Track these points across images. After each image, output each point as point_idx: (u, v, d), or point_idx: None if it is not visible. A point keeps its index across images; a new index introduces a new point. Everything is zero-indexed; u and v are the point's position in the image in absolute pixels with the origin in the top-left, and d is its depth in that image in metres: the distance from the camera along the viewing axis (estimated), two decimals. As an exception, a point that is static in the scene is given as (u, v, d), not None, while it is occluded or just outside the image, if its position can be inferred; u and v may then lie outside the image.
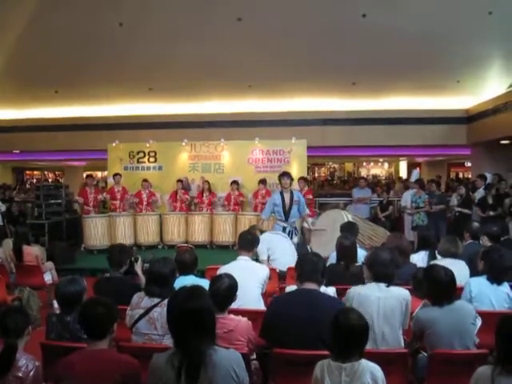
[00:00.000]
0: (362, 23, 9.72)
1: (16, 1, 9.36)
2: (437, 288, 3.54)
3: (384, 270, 3.69)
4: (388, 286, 3.64)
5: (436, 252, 5.45)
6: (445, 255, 5.09)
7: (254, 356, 3.69)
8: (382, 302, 3.57)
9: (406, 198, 11.47)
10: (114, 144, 12.84)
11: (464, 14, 9.51)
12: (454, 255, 5.03)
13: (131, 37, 10.45)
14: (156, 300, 3.55)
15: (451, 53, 10.69)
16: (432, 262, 5.17)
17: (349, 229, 5.78)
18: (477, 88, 12.33)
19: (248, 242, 4.79)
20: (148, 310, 3.50)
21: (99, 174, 25.32)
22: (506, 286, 4.31)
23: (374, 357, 2.99)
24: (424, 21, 9.67)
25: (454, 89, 12.40)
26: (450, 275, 3.56)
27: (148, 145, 12.80)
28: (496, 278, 4.24)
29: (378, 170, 27.38)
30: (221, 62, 11.19)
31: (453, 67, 11.27)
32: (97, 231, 10.92)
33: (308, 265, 3.46)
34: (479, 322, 3.54)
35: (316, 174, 27.62)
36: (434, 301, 3.55)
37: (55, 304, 6.94)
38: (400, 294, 3.66)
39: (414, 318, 3.60)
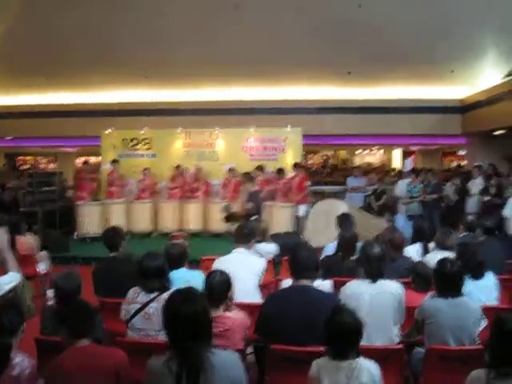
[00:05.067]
0: (357, 13, 9.68)
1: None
2: (441, 279, 3.61)
3: (370, 267, 3.70)
4: (373, 282, 3.66)
5: (429, 244, 5.49)
6: (440, 247, 5.08)
7: (251, 350, 3.69)
8: (374, 298, 3.60)
9: (401, 187, 11.48)
10: (107, 131, 12.75)
11: (460, 4, 9.49)
12: (449, 248, 5.03)
13: (126, 23, 10.35)
14: (152, 295, 3.53)
15: (446, 43, 10.66)
16: (426, 255, 5.23)
17: (344, 221, 5.76)
18: (471, 78, 12.33)
19: (243, 235, 4.75)
20: (144, 306, 3.49)
21: (92, 159, 25.18)
22: (490, 278, 4.34)
23: (370, 353, 2.99)
24: (419, 11, 9.65)
25: (448, 79, 12.39)
26: (455, 269, 3.59)
27: (142, 132, 12.72)
28: (473, 274, 4.23)
29: (372, 157, 27.33)
30: (216, 49, 11.11)
31: (447, 57, 11.24)
32: (90, 219, 10.89)
33: (300, 261, 3.43)
34: (484, 323, 3.53)
35: (310, 161, 27.55)
36: (438, 292, 3.61)
37: (49, 293, 6.93)
38: (392, 288, 3.68)
39: (419, 306, 3.64)
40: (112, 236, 4.83)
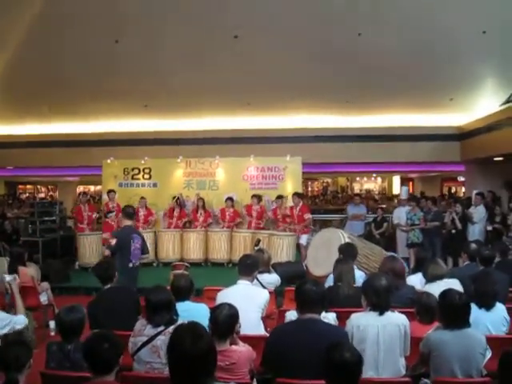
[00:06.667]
0: (356, 42, 9.79)
1: (11, 18, 9.35)
2: (448, 311, 3.57)
3: (378, 300, 3.69)
4: (381, 315, 3.64)
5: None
6: (434, 280, 5.05)
7: (255, 383, 3.67)
8: (381, 331, 3.58)
9: (399, 215, 11.49)
10: (108, 161, 12.82)
11: (458, 32, 9.61)
12: (441, 277, 5.03)
13: (127, 54, 10.46)
14: (159, 328, 3.52)
15: (444, 71, 10.75)
16: (428, 284, 5.22)
17: (348, 251, 5.75)
18: (470, 106, 12.40)
19: (247, 267, 4.72)
20: (151, 338, 3.47)
21: (92, 188, 25.28)
22: (501, 310, 4.32)
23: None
24: (417, 39, 9.74)
25: (446, 106, 12.45)
26: (463, 300, 3.58)
27: (143, 161, 12.79)
28: (483, 304, 4.22)
29: (372, 184, 27.47)
30: (215, 78, 11.20)
31: (446, 85, 11.32)
32: (92, 249, 10.88)
33: (307, 296, 3.41)
34: (489, 354, 3.53)
35: (309, 189, 27.66)
36: (444, 324, 3.58)
37: (51, 325, 6.94)
38: (398, 320, 3.68)
39: (425, 338, 3.61)
40: (107, 268, 4.87)
